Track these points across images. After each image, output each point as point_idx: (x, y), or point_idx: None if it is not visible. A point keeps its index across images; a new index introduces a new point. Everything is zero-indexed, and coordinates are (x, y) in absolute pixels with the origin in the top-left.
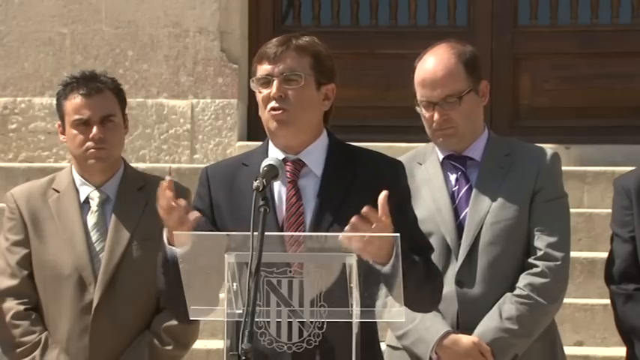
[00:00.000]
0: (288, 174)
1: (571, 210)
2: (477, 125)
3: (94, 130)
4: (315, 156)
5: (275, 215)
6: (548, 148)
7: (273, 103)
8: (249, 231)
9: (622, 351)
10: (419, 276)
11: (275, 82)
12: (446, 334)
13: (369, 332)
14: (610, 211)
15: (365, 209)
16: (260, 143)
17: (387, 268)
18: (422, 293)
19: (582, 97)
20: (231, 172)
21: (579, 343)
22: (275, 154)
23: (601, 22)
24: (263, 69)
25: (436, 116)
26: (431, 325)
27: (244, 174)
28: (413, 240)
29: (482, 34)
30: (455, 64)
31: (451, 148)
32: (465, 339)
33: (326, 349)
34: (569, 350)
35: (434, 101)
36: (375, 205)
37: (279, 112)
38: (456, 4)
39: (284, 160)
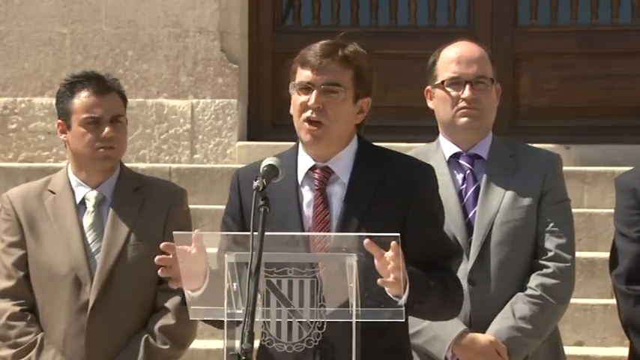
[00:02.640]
0: (316, 181)
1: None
2: (490, 121)
3: (107, 129)
4: (343, 163)
5: (301, 221)
6: (549, 149)
7: (309, 113)
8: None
9: (622, 351)
10: (435, 301)
11: (315, 93)
12: (463, 333)
13: (396, 336)
14: (611, 210)
15: (366, 243)
16: (261, 142)
17: (402, 301)
18: (440, 312)
19: (582, 97)
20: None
21: (579, 343)
22: (305, 160)
23: (601, 22)
24: (305, 75)
25: (467, 92)
26: (447, 324)
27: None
28: (436, 247)
29: (483, 34)
30: (485, 53)
31: (465, 135)
32: (482, 338)
33: (326, 349)
34: (569, 350)
35: (468, 79)
36: (401, 212)
37: (315, 127)
38: (455, 4)
39: (313, 167)
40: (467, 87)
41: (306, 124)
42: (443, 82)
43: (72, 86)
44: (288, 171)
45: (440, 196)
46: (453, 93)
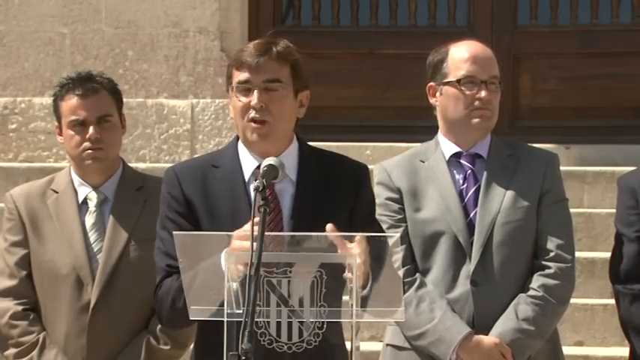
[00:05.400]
0: None
1: (571, 210)
2: (495, 120)
3: (91, 130)
4: (289, 160)
5: (252, 219)
6: (548, 149)
7: (253, 114)
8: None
9: (622, 351)
10: None
11: (256, 92)
12: (468, 335)
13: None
14: (611, 210)
15: (329, 227)
16: None
17: (365, 292)
18: None
19: (582, 97)
20: (200, 173)
21: (579, 343)
22: (249, 158)
23: (601, 22)
24: (243, 76)
25: (484, 94)
26: (451, 326)
27: (215, 176)
28: None
29: (483, 34)
30: (493, 54)
31: (474, 135)
32: (486, 340)
33: (326, 349)
34: (569, 350)
35: (484, 79)
36: (348, 209)
37: (259, 125)
38: (456, 4)
39: (259, 166)
40: (483, 87)
41: (251, 123)
42: (459, 80)
43: (61, 90)
44: (233, 169)
45: (374, 196)
46: (468, 92)
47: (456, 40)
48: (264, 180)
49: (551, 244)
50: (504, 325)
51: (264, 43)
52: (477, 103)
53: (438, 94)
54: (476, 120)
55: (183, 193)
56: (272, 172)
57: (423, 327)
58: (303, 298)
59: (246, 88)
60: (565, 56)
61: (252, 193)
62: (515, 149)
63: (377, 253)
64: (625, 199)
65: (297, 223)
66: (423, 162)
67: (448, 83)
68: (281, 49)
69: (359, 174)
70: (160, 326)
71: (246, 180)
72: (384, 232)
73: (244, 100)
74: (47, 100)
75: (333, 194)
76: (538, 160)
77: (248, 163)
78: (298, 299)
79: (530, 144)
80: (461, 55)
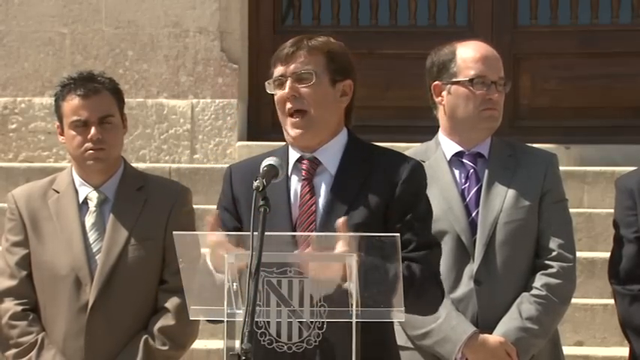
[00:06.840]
0: (303, 172)
1: (571, 210)
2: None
3: (93, 130)
4: (330, 154)
5: (290, 212)
6: (548, 149)
7: (289, 105)
8: (278, 234)
9: (622, 351)
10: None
11: (288, 82)
12: (473, 334)
13: (382, 331)
14: (611, 210)
15: (340, 222)
16: (262, 142)
17: (347, 284)
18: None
19: (582, 97)
20: (251, 170)
21: (579, 343)
22: (294, 152)
23: (601, 22)
24: (277, 70)
25: (496, 94)
26: (457, 325)
27: None
28: (409, 239)
29: (483, 34)
30: None
31: (480, 135)
32: (492, 339)
33: (326, 349)
34: (569, 350)
35: (494, 79)
36: (384, 206)
37: (298, 118)
38: (456, 4)
39: (300, 159)
40: (494, 88)
41: (289, 118)
42: (471, 80)
43: (62, 89)
44: (279, 164)
45: (426, 192)
46: (478, 92)
47: (458, 40)
48: (264, 180)
49: (553, 243)
50: (508, 324)
51: (299, 38)
52: (488, 103)
53: (444, 93)
54: (486, 120)
55: (232, 190)
56: (272, 171)
57: (427, 326)
58: (303, 298)
59: (280, 82)
60: (565, 56)
61: (254, 193)
62: (514, 149)
63: (376, 253)
64: (623, 199)
65: (330, 217)
66: (424, 162)
67: (458, 82)
68: (314, 42)
69: (403, 171)
70: (158, 326)
71: (288, 174)
72: (426, 234)
73: (280, 92)
74: (47, 100)
75: (371, 191)
76: (538, 160)
77: (292, 156)
78: (298, 299)
79: (530, 144)
80: (471, 55)
